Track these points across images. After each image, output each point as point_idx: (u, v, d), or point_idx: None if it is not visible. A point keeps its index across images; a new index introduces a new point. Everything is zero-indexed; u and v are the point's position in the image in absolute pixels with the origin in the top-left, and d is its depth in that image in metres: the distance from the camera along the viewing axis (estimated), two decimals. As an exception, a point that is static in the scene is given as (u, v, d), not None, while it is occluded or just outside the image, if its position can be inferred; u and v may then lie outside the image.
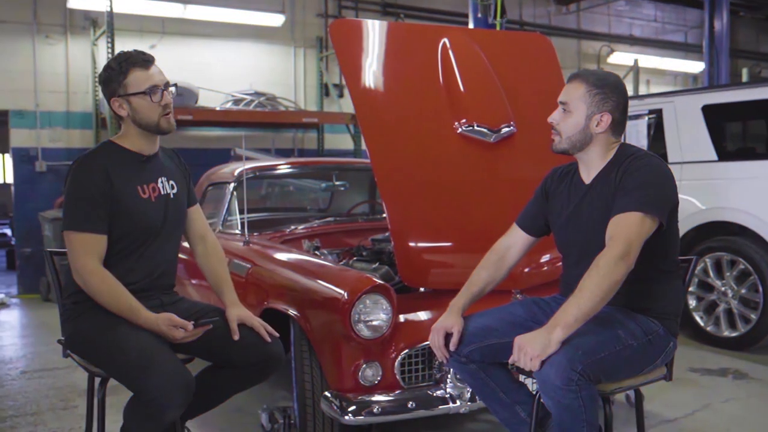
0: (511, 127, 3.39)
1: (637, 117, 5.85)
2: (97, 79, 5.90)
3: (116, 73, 2.45)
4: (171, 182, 2.62)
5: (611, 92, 2.27)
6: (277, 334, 2.60)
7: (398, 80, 3.34)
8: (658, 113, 5.67)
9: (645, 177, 2.16)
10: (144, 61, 2.49)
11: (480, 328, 2.30)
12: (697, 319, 5.19)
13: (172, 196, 2.60)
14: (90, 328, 2.40)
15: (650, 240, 2.13)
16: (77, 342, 2.47)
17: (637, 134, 5.91)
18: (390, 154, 3.20)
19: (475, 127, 3.32)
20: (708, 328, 5.13)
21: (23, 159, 7.78)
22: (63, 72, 7.84)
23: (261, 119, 8.39)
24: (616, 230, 2.08)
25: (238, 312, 2.56)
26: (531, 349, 1.96)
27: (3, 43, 7.61)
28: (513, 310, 2.40)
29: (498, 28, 6.48)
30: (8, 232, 9.32)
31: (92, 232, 2.36)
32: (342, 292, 2.81)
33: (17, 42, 7.69)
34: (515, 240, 2.50)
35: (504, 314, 2.36)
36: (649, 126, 5.75)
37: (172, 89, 2.55)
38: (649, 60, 12.09)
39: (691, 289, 5.20)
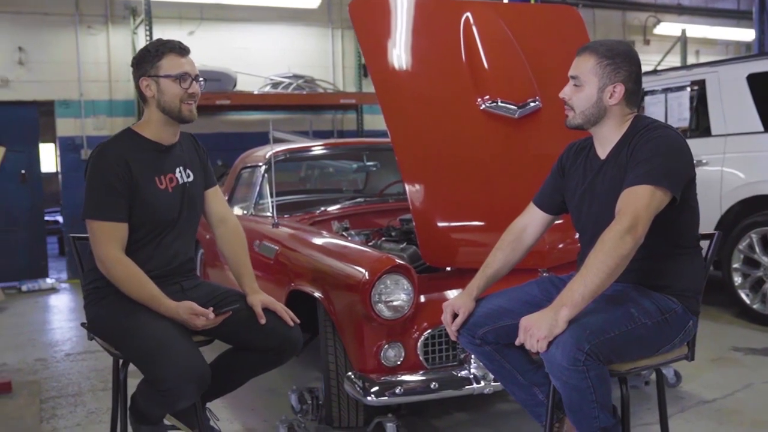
0: (537, 102, 3.32)
1: (679, 89, 5.68)
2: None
3: (151, 55, 2.49)
4: (188, 170, 2.63)
5: (623, 62, 2.19)
6: (299, 321, 2.61)
7: (419, 57, 3.29)
8: (701, 84, 5.48)
9: (656, 148, 2.07)
10: (181, 48, 2.53)
11: (494, 309, 2.26)
12: (743, 296, 5.03)
13: (188, 185, 2.61)
14: (110, 313, 2.44)
15: (665, 215, 2.05)
16: (98, 326, 2.52)
17: (679, 107, 5.74)
18: (410, 132, 3.16)
19: (499, 103, 3.26)
20: (754, 306, 4.97)
21: (69, 148, 7.98)
22: (105, 61, 8.00)
23: (299, 102, 8.42)
24: (623, 204, 2.01)
25: (261, 297, 2.58)
26: (537, 331, 1.91)
27: (47, 35, 7.79)
28: (528, 289, 2.35)
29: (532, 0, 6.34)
30: (60, 219, 9.58)
31: (113, 220, 2.39)
32: (362, 272, 2.80)
33: (61, 33, 7.87)
34: (532, 219, 2.44)
35: (519, 294, 2.31)
36: (691, 98, 5.57)
37: (202, 82, 2.57)
38: (698, 29, 11.67)
39: (736, 266, 5.05)
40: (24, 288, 7.43)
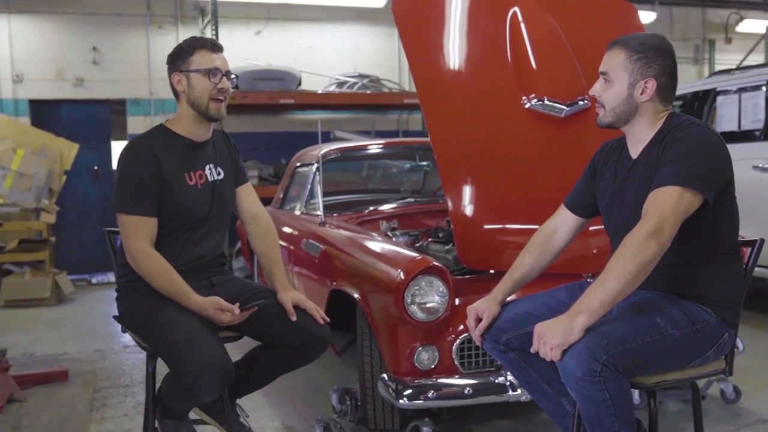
0: (586, 101, 3.19)
1: (754, 89, 5.39)
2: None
3: (184, 51, 2.52)
4: (218, 168, 2.64)
5: (654, 56, 2.06)
6: (328, 320, 2.59)
7: (463, 54, 3.21)
8: (778, 84, 5.19)
9: (687, 148, 1.94)
10: (213, 45, 2.55)
11: (519, 315, 2.17)
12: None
13: (218, 182, 2.62)
14: (140, 307, 2.47)
15: (698, 218, 1.92)
16: (129, 318, 2.56)
17: (754, 107, 5.45)
18: (450, 131, 3.09)
19: (546, 102, 3.15)
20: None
21: (140, 145, 8.22)
22: (174, 61, 8.20)
23: (362, 101, 8.42)
24: (649, 206, 1.89)
25: (291, 294, 2.57)
26: (551, 338, 1.81)
27: (120, 35, 8.07)
28: (557, 295, 2.25)
29: None
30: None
31: (142, 214, 2.42)
32: (396, 272, 2.75)
33: (132, 34, 8.14)
34: (562, 221, 2.34)
35: (547, 299, 2.22)
36: (767, 98, 5.28)
37: (233, 78, 2.58)
38: (786, 26, 11.12)
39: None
40: (94, 281, 7.72)
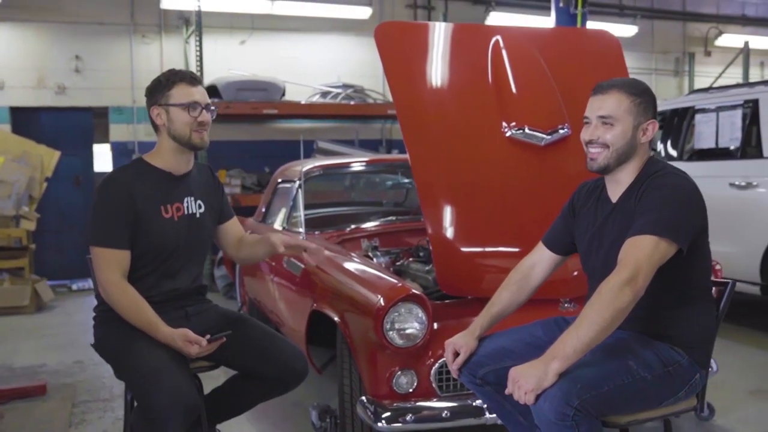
0: (566, 129, 3.25)
1: (731, 108, 5.49)
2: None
3: (162, 85, 2.52)
4: (198, 202, 2.66)
5: (650, 98, 2.16)
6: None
7: (444, 82, 3.26)
8: (754, 104, 5.28)
9: (664, 197, 2.01)
10: (191, 78, 2.56)
11: (496, 350, 2.22)
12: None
13: (198, 215, 2.65)
14: (112, 337, 2.50)
15: (672, 265, 1.98)
16: (102, 347, 2.58)
17: (731, 126, 5.54)
18: (431, 157, 3.13)
19: (526, 131, 3.20)
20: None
21: (122, 152, 8.23)
22: (158, 69, 8.14)
23: (346, 112, 8.46)
24: (625, 254, 1.95)
25: (281, 236, 2.70)
26: (525, 383, 1.86)
27: (103, 44, 8.06)
28: (533, 330, 2.30)
29: (579, 18, 6.22)
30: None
31: (114, 247, 2.44)
32: (376, 298, 2.79)
33: (115, 42, 8.13)
34: (540, 258, 2.39)
35: (523, 335, 2.27)
36: (743, 118, 5.37)
37: (213, 110, 2.60)
38: (763, 41, 11.29)
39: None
40: (74, 287, 7.69)
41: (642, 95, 2.15)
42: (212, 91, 7.54)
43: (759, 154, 5.18)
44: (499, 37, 3.34)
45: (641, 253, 1.92)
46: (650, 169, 2.14)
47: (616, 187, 2.21)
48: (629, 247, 1.96)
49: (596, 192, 2.30)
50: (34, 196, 7.16)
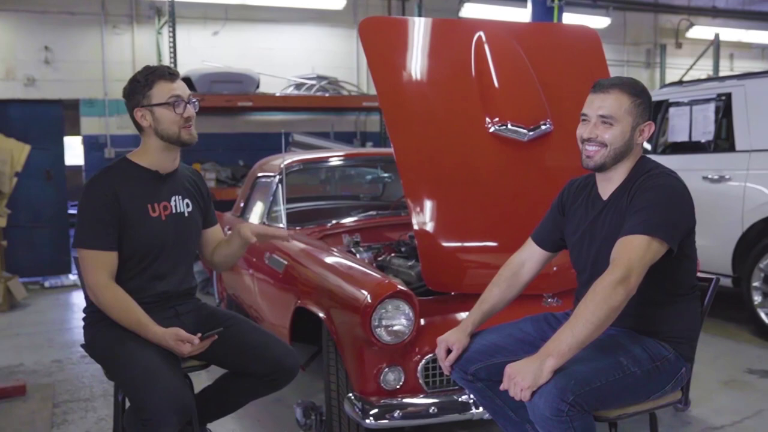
0: (548, 125, 3.27)
1: (704, 101, 5.56)
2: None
3: (141, 86, 2.48)
4: (186, 201, 2.64)
5: (647, 99, 2.19)
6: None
7: (428, 77, 3.26)
8: (727, 97, 5.36)
9: (656, 198, 2.04)
10: (170, 74, 2.53)
11: (487, 346, 2.24)
12: (762, 316, 4.94)
13: (186, 214, 2.63)
14: (102, 338, 2.48)
15: (661, 264, 2.02)
16: (93, 349, 2.56)
17: (704, 120, 5.62)
18: (415, 152, 3.14)
19: (509, 126, 3.22)
20: (773, 326, 4.88)
21: (93, 146, 8.10)
22: (129, 61, 8.08)
23: (321, 104, 8.42)
24: (618, 253, 1.98)
25: (250, 226, 2.67)
26: (521, 380, 1.89)
27: (73, 35, 7.90)
28: (523, 327, 2.33)
29: (555, 11, 6.26)
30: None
31: (101, 249, 2.42)
32: (363, 295, 2.79)
33: (86, 33, 7.97)
34: (530, 255, 2.42)
35: (513, 331, 2.30)
36: (716, 111, 5.46)
37: (196, 102, 2.57)
38: (733, 33, 11.47)
39: (756, 284, 4.95)
40: (47, 284, 7.57)
41: (641, 95, 2.17)
42: (186, 83, 7.41)
43: (731, 148, 5.27)
44: (482, 33, 3.35)
45: (634, 253, 1.95)
46: (642, 168, 2.17)
47: (608, 184, 2.23)
48: (622, 247, 1.99)
49: (586, 189, 2.33)
50: (4, 191, 7.01)
